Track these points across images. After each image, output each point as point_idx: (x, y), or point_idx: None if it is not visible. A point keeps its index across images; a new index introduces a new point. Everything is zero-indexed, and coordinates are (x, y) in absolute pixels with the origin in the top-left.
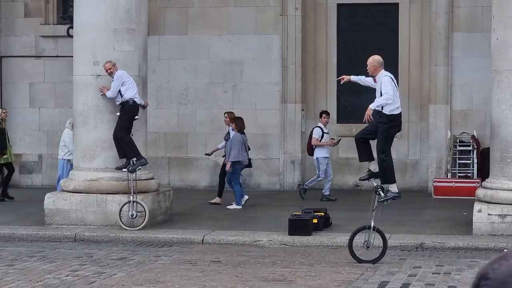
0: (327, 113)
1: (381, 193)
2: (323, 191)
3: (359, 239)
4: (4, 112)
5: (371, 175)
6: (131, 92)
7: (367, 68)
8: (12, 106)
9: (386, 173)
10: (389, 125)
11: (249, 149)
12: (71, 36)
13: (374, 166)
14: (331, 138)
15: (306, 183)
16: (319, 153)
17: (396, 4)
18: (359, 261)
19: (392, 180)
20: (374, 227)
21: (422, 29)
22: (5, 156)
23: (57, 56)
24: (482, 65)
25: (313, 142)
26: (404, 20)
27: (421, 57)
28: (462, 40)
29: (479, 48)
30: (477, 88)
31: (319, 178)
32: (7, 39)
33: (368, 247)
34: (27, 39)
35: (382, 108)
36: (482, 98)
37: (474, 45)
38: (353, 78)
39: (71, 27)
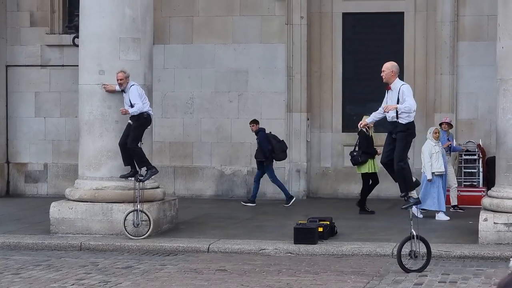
0: None
1: (410, 200)
2: None
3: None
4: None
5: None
6: (146, 105)
7: (383, 73)
8: (17, 115)
9: (407, 181)
10: (407, 133)
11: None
12: (77, 45)
13: None
14: None
15: None
16: None
17: (402, 13)
18: (407, 271)
19: (412, 187)
20: (417, 236)
21: (427, 38)
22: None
23: (62, 65)
24: (488, 74)
25: None
26: (409, 29)
27: (427, 66)
28: (468, 49)
29: (484, 57)
30: (482, 97)
31: None
32: (13, 49)
33: (416, 256)
34: (33, 48)
35: (397, 118)
36: (488, 107)
37: (480, 54)
38: (369, 120)
39: (77, 37)
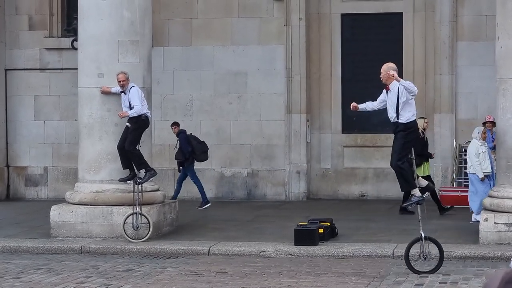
0: None
1: (412, 198)
2: None
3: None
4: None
5: (422, 190)
6: (145, 108)
7: (381, 75)
8: (17, 119)
9: (407, 180)
10: (406, 132)
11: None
12: (76, 49)
13: (421, 182)
14: None
15: None
16: None
17: (400, 14)
18: (418, 273)
19: (413, 186)
20: (426, 237)
21: (426, 38)
22: None
23: (61, 69)
24: (487, 74)
25: None
26: (408, 29)
27: (426, 67)
28: (467, 49)
29: (483, 56)
30: (482, 97)
31: None
32: (12, 52)
33: (425, 258)
34: (32, 52)
35: (398, 118)
36: (487, 107)
37: (479, 53)
38: (360, 106)
39: (75, 40)
